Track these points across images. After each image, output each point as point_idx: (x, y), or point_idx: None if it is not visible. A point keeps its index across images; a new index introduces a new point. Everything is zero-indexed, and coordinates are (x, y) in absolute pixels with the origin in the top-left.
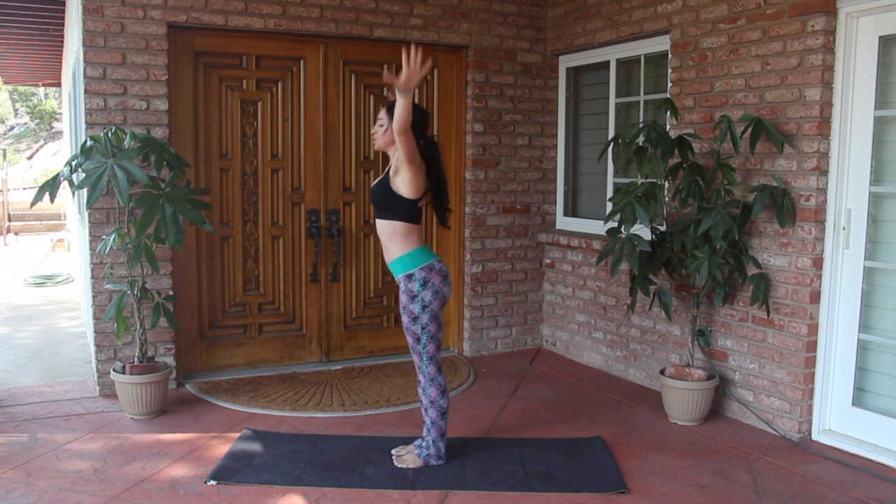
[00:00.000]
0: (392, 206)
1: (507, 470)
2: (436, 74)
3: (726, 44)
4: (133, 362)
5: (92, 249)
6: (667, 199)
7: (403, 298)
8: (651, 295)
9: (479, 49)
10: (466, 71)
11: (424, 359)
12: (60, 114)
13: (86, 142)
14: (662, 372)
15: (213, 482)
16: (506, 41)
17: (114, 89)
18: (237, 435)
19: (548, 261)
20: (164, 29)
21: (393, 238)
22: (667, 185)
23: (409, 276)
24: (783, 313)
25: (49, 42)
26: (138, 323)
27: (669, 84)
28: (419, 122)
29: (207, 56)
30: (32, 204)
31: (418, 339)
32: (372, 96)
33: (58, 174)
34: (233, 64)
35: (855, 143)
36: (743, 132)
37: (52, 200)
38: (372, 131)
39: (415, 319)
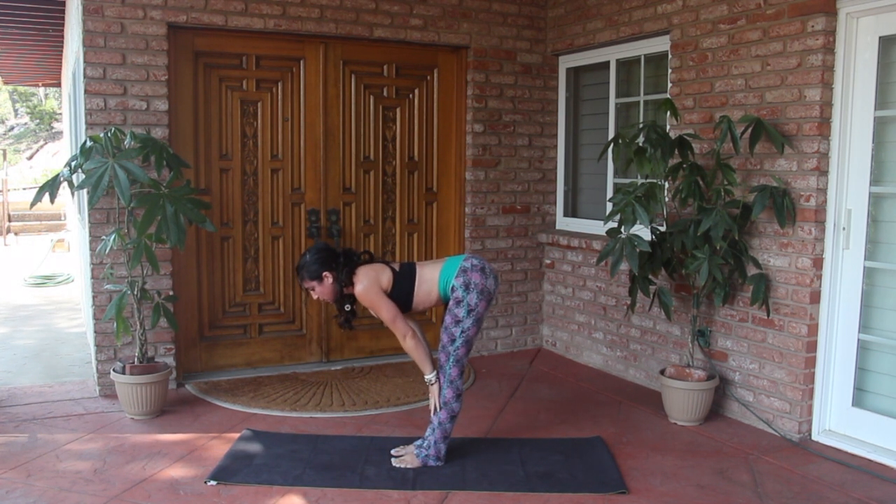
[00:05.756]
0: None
1: (507, 470)
2: (436, 75)
3: (726, 44)
4: (133, 362)
5: (92, 249)
6: (667, 199)
7: (451, 302)
8: (651, 295)
9: (479, 49)
10: (466, 71)
11: (451, 360)
12: (60, 114)
13: (86, 142)
14: (662, 372)
15: (213, 482)
16: (506, 41)
17: (114, 89)
18: (237, 435)
19: (548, 261)
20: (163, 29)
21: (425, 296)
22: (667, 185)
23: (453, 289)
24: (783, 313)
25: (49, 42)
26: (138, 323)
27: (669, 84)
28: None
29: (207, 56)
30: (32, 205)
31: (453, 340)
32: (372, 96)
33: (58, 175)
34: (233, 64)
35: (855, 144)
36: (743, 132)
37: (52, 201)
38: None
39: (457, 322)
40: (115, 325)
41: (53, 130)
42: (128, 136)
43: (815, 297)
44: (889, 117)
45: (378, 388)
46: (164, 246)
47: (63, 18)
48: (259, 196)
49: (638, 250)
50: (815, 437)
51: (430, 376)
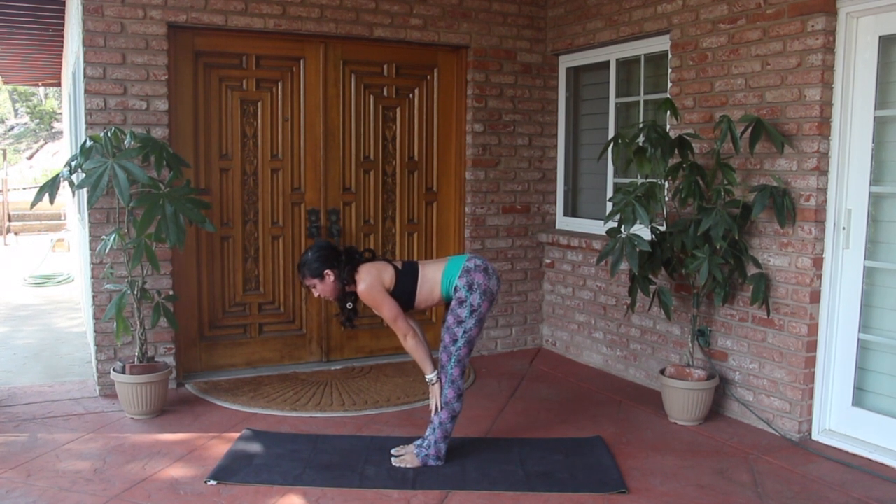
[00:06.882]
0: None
1: (507, 470)
2: (436, 74)
3: (726, 44)
4: (133, 362)
5: (92, 249)
6: (667, 199)
7: (453, 302)
8: (651, 295)
9: (479, 49)
10: (466, 71)
11: (453, 360)
12: (60, 114)
13: (85, 142)
14: (662, 372)
15: (213, 482)
16: (506, 41)
17: (114, 89)
18: (237, 435)
19: (548, 261)
20: (163, 29)
21: (427, 295)
22: (667, 185)
23: (456, 289)
24: (783, 313)
25: (49, 42)
26: (138, 323)
27: (669, 84)
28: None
29: (207, 56)
30: (32, 205)
31: (455, 340)
32: (372, 96)
33: (58, 174)
34: (233, 64)
35: (855, 143)
36: (743, 132)
37: (51, 201)
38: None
39: (460, 323)
40: (115, 324)
41: (53, 130)
42: (128, 136)
43: (815, 297)
44: (889, 117)
45: (378, 388)
46: (164, 246)
47: (63, 18)
48: (259, 196)
49: (638, 250)
50: (815, 436)
51: (430, 376)
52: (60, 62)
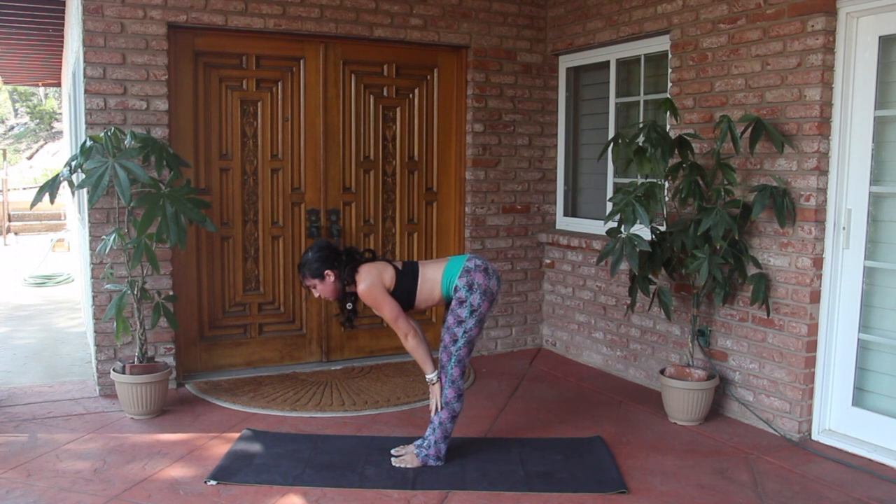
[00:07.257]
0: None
1: (507, 470)
2: (436, 74)
3: (726, 44)
4: (133, 362)
5: (92, 249)
6: (667, 199)
7: (453, 302)
8: (651, 295)
9: (479, 49)
10: (466, 71)
11: (453, 360)
12: (60, 114)
13: (86, 142)
14: (662, 372)
15: (212, 482)
16: (506, 41)
17: (114, 89)
18: (237, 435)
19: (548, 261)
20: (164, 29)
21: (427, 295)
22: (667, 185)
23: (456, 289)
24: (783, 313)
25: (49, 42)
26: (138, 323)
27: (669, 84)
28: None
29: (207, 56)
30: (32, 205)
31: (455, 340)
32: (372, 96)
33: (58, 175)
34: (233, 64)
35: (855, 143)
36: (743, 132)
37: (52, 201)
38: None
39: (460, 323)
40: (115, 324)
41: (53, 130)
42: (128, 136)
43: (815, 297)
44: (889, 117)
45: (378, 388)
46: (164, 246)
47: (63, 18)
48: (259, 196)
49: (638, 250)
50: (815, 436)
51: (431, 376)
52: (60, 62)
